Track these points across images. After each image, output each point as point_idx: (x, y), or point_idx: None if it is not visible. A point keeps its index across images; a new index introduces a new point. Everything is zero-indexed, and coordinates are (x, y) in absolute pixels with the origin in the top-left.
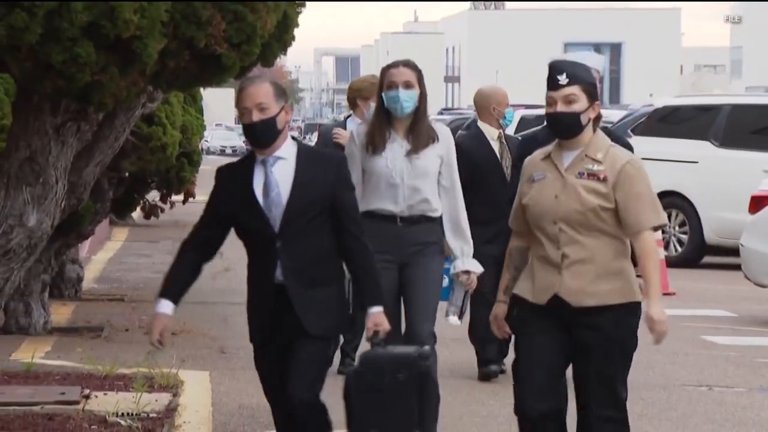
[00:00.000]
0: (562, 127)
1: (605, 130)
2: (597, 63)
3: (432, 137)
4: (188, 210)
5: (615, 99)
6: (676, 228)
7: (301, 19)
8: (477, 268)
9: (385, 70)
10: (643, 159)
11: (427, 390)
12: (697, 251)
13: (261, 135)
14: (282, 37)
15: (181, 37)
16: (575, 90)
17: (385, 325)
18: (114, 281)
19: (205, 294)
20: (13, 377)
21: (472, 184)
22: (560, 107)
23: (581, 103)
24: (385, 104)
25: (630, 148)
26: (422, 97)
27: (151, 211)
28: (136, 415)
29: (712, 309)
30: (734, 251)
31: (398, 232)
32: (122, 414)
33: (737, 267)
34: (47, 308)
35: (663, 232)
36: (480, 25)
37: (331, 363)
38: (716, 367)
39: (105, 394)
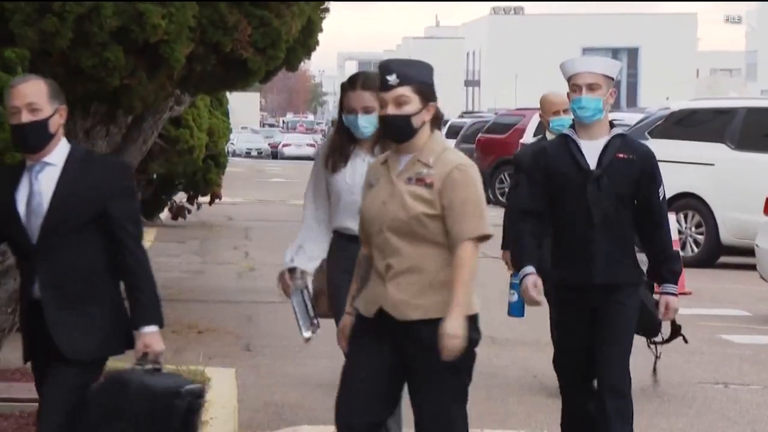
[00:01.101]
0: (392, 131)
1: (623, 134)
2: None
3: None
4: (214, 211)
5: (632, 102)
6: (693, 229)
7: (324, 24)
8: (308, 266)
9: (344, 89)
10: (660, 161)
11: None
12: (713, 252)
13: (29, 138)
14: (306, 41)
15: (207, 42)
16: (406, 91)
17: (155, 347)
18: None
19: (231, 293)
20: None
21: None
22: (390, 109)
23: (413, 104)
24: (345, 124)
25: (648, 150)
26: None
27: (178, 212)
28: None
29: (728, 308)
30: (749, 252)
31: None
32: None
33: (752, 267)
34: None
35: (679, 233)
36: (500, 30)
37: (86, 389)
38: (732, 365)
39: None
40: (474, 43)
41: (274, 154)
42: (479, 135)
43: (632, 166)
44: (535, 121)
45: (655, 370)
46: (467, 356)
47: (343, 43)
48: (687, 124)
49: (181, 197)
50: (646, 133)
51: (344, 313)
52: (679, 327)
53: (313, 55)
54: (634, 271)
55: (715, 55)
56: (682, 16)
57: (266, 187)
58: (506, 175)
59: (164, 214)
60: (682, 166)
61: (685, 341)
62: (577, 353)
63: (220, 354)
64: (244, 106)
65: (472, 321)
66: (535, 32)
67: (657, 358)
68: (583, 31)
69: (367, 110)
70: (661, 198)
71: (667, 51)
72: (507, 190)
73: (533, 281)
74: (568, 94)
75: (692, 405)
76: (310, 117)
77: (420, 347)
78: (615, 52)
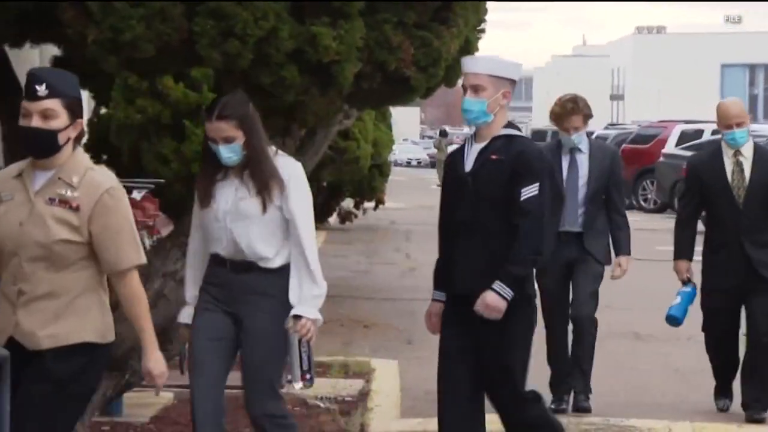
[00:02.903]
0: (35, 145)
1: (510, 135)
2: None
3: (269, 178)
4: (379, 216)
5: None
6: None
7: (480, 44)
8: (309, 313)
9: (205, 118)
10: None
11: None
12: None
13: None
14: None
15: (374, 62)
16: (55, 105)
17: None
18: None
19: (394, 291)
20: None
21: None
22: (36, 121)
23: (61, 119)
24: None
25: (523, 149)
26: (249, 144)
27: (346, 217)
28: (333, 398)
29: None
30: None
31: (228, 278)
32: (321, 397)
33: None
34: None
35: None
36: (643, 48)
37: None
38: None
39: None
40: (619, 60)
41: (432, 164)
42: (623, 145)
43: (502, 166)
44: (676, 133)
45: None
46: (88, 384)
47: None
48: None
49: (348, 203)
50: None
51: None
52: None
53: None
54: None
55: None
56: None
57: (425, 193)
58: (649, 183)
59: (333, 219)
60: None
61: None
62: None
63: (385, 347)
64: (405, 120)
65: (101, 350)
66: (676, 50)
67: None
68: (722, 48)
69: (227, 140)
70: (522, 199)
71: None
72: (649, 196)
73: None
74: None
75: None
76: (465, 129)
77: (47, 378)
78: (753, 69)
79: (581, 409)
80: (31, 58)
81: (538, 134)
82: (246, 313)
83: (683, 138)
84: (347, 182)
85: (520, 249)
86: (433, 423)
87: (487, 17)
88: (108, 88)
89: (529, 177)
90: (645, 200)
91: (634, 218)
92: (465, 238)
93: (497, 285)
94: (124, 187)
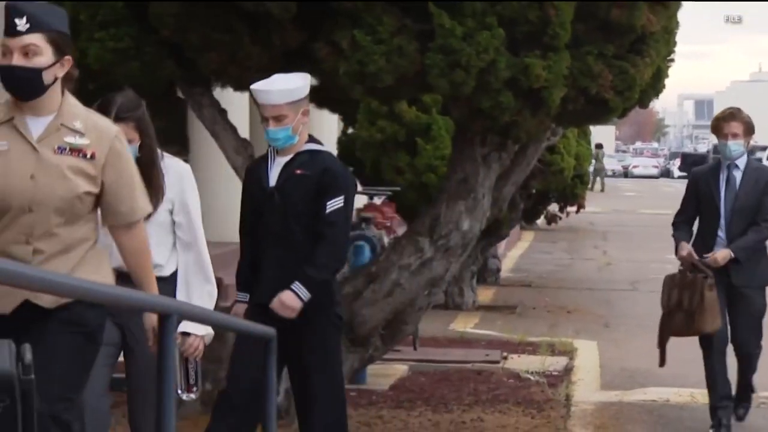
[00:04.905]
0: (17, 85)
1: (313, 150)
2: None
3: (162, 181)
4: (579, 218)
5: None
6: None
7: (670, 71)
8: (198, 329)
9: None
10: None
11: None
12: None
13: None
14: (655, 85)
15: (578, 87)
16: (37, 39)
17: None
18: (524, 271)
19: (593, 282)
20: (451, 342)
21: None
22: (17, 59)
23: (45, 56)
24: None
25: (327, 163)
26: (144, 146)
27: (551, 219)
28: (541, 372)
29: None
30: None
31: None
32: (531, 372)
33: None
34: (475, 291)
35: None
36: None
37: None
38: None
39: (518, 356)
40: None
41: (626, 174)
42: None
43: (308, 181)
44: None
45: None
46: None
47: (681, 84)
48: None
49: (553, 208)
50: None
51: None
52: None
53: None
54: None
55: None
56: None
57: (620, 199)
58: None
59: (540, 220)
60: None
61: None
62: None
63: (585, 329)
64: (602, 136)
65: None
66: None
67: None
68: None
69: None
70: (328, 211)
71: None
72: None
73: None
74: None
75: None
76: (655, 144)
77: (78, 329)
78: None
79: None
80: None
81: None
82: (134, 325)
83: None
84: (553, 190)
85: (322, 255)
86: (630, 395)
87: (675, 48)
88: (354, 111)
89: (335, 190)
90: None
91: None
92: (272, 248)
93: (295, 285)
94: (367, 193)
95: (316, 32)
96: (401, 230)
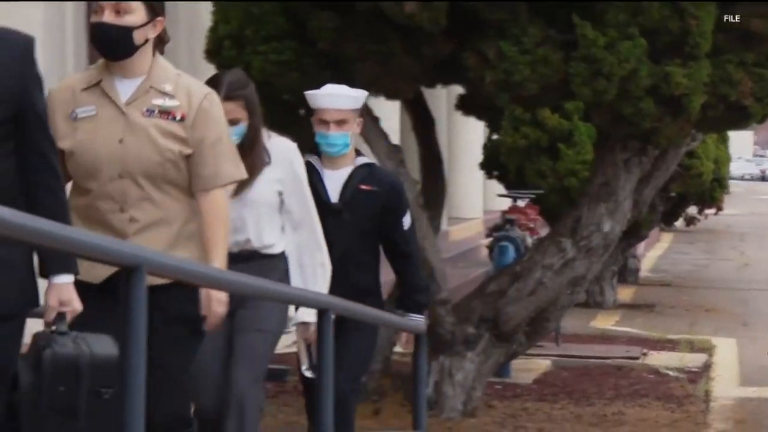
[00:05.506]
0: (106, 44)
1: (369, 163)
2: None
3: (262, 161)
4: (717, 220)
5: None
6: None
7: None
8: (314, 317)
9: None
10: None
11: None
12: None
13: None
14: None
15: (717, 94)
16: None
17: (75, 305)
18: (662, 271)
19: (731, 282)
20: (592, 339)
21: None
22: (107, 16)
23: (137, 15)
24: None
25: (393, 180)
26: (252, 125)
27: (690, 221)
28: (681, 368)
29: None
30: None
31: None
32: (671, 368)
33: None
34: (615, 289)
35: None
36: None
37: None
38: None
39: (658, 353)
40: None
41: (763, 177)
42: None
43: (375, 197)
44: None
45: None
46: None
47: None
48: None
49: (692, 210)
50: None
51: None
52: None
53: None
54: (375, 302)
55: None
56: None
57: (757, 203)
58: None
59: (679, 222)
60: None
61: None
62: None
63: (723, 328)
64: (740, 140)
65: None
66: None
67: None
68: None
69: (232, 122)
70: (405, 228)
71: None
72: None
73: None
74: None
75: None
76: None
77: (161, 313)
78: None
79: None
80: (439, 95)
81: None
82: (249, 303)
83: None
84: (692, 193)
85: (418, 277)
86: None
87: None
88: (499, 118)
89: (404, 207)
90: None
91: None
92: (338, 265)
93: (412, 318)
94: (510, 196)
95: (464, 43)
96: (544, 232)
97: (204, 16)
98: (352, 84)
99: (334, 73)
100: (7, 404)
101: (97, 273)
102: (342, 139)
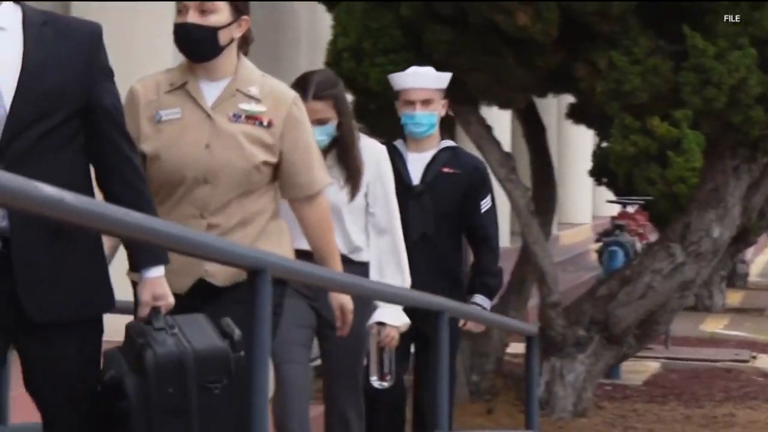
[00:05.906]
0: (191, 45)
1: (452, 146)
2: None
3: (360, 163)
4: None
5: None
6: None
7: None
8: (394, 320)
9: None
10: None
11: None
12: None
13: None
14: None
15: None
16: None
17: (169, 299)
18: None
19: None
20: (701, 342)
21: None
22: (192, 17)
23: (222, 14)
24: None
25: (477, 163)
26: (342, 125)
27: None
28: None
29: None
30: None
31: None
32: None
33: None
34: (724, 294)
35: None
36: None
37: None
38: None
39: (767, 356)
40: None
41: None
42: None
43: (458, 180)
44: None
45: None
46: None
47: None
48: None
49: None
50: None
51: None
52: None
53: None
54: (454, 292)
55: None
56: None
57: None
58: None
59: None
60: None
61: None
62: None
63: None
64: None
65: None
66: None
67: None
68: None
69: (320, 122)
70: (483, 211)
71: None
72: None
73: None
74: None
75: None
76: None
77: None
78: None
79: None
80: (549, 103)
81: None
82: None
83: None
84: None
85: (493, 262)
86: None
87: None
88: (608, 126)
89: (486, 190)
90: None
91: None
92: (418, 250)
93: (479, 299)
94: (620, 202)
95: (576, 54)
96: (653, 237)
97: (324, 30)
98: (466, 94)
99: (448, 84)
100: (115, 413)
101: (181, 282)
102: (428, 118)
